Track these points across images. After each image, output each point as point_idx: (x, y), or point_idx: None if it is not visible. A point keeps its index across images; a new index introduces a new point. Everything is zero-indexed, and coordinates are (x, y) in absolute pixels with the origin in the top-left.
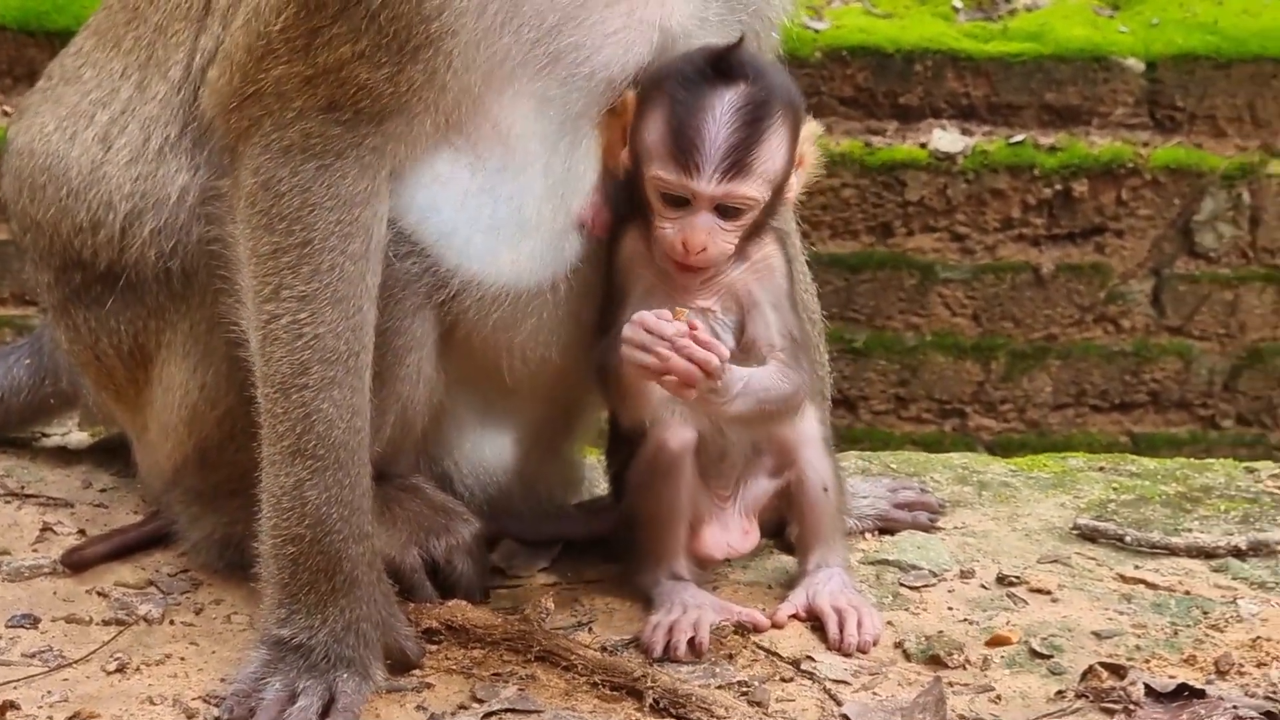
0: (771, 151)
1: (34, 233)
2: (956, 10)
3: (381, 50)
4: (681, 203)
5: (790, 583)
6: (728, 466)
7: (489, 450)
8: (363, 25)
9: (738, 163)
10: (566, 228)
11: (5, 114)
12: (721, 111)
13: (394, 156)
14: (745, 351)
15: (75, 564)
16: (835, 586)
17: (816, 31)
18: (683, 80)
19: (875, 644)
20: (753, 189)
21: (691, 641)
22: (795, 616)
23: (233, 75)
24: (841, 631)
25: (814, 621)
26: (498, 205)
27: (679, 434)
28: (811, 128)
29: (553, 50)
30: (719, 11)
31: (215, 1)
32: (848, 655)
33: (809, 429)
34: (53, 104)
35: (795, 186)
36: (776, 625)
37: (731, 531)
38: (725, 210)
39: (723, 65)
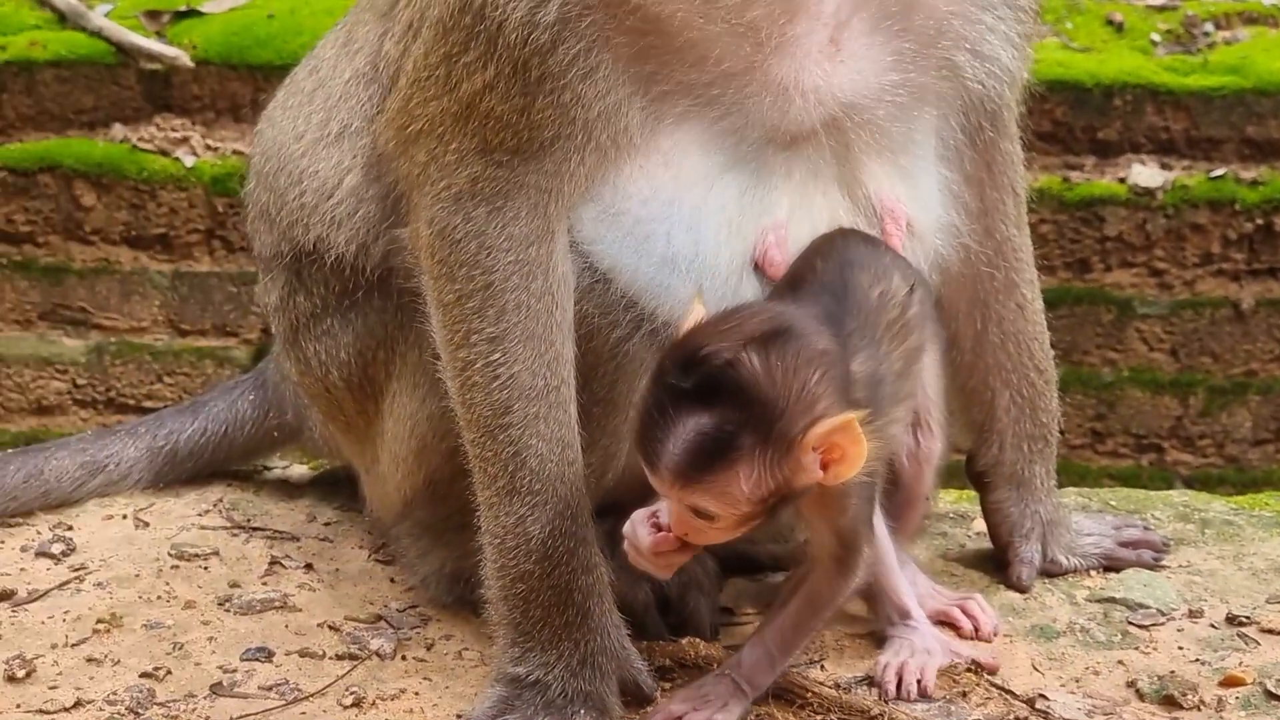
0: (730, 478)
1: (259, 221)
2: (1155, 44)
3: (505, 80)
4: None
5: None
6: None
7: None
8: (487, 52)
9: (690, 480)
10: (743, 268)
11: (209, 148)
12: (675, 431)
13: (559, 194)
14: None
15: None
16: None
17: (1019, 80)
18: (657, 378)
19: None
20: (712, 505)
21: (918, 684)
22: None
23: (395, 105)
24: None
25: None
26: (671, 239)
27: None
28: (832, 422)
29: (691, 105)
30: (886, 73)
31: (398, 9)
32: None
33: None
34: (289, 80)
35: (839, 475)
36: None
37: None
38: (696, 510)
39: (688, 381)
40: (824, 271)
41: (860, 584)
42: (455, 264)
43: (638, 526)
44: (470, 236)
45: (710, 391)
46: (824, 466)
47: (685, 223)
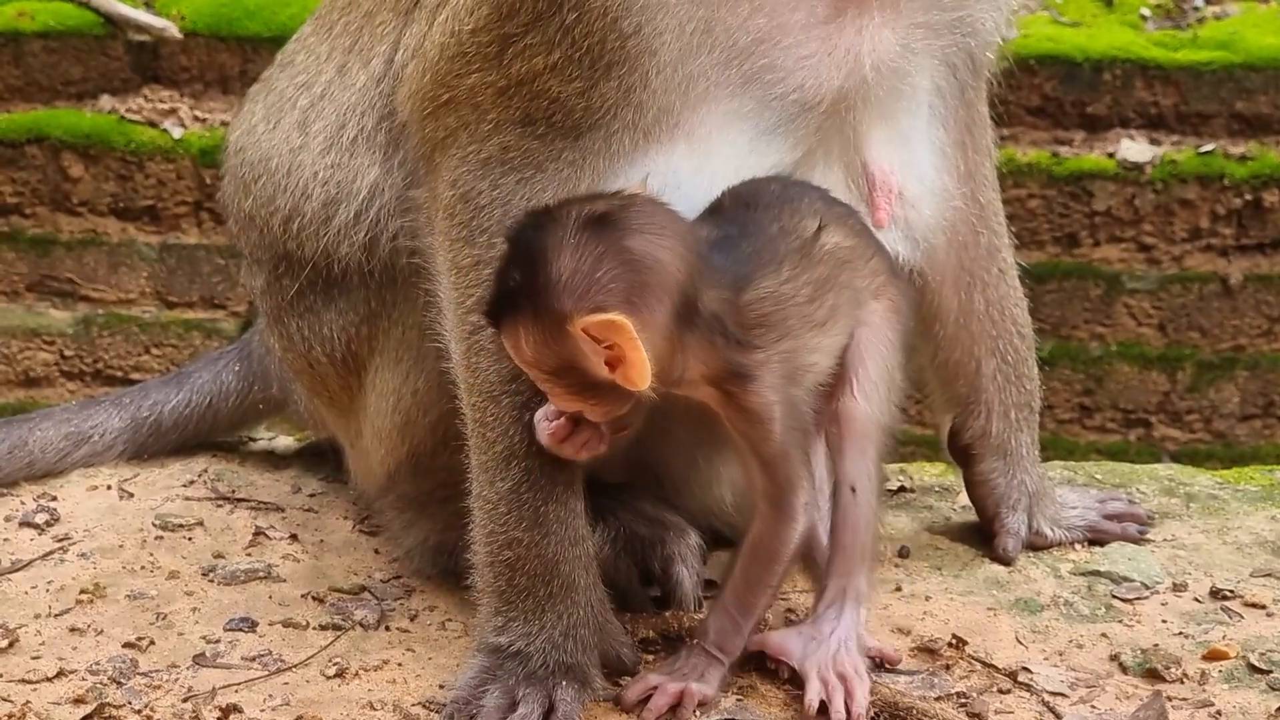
0: (515, 333)
1: (246, 228)
2: (1145, 19)
3: (574, 64)
4: None
5: (1011, 603)
6: None
7: (699, 455)
8: (556, 37)
9: (494, 319)
10: None
11: (197, 119)
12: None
13: (593, 170)
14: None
15: None
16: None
17: (1004, 40)
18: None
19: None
20: (514, 356)
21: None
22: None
23: (425, 75)
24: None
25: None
26: (689, 214)
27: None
28: (598, 316)
29: (746, 71)
30: (924, 38)
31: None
32: None
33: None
34: (265, 92)
35: (627, 378)
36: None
37: None
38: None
39: (513, 233)
40: (729, 206)
41: (800, 536)
42: (476, 229)
43: (539, 420)
44: (496, 204)
45: (520, 248)
46: (610, 365)
47: (702, 199)
